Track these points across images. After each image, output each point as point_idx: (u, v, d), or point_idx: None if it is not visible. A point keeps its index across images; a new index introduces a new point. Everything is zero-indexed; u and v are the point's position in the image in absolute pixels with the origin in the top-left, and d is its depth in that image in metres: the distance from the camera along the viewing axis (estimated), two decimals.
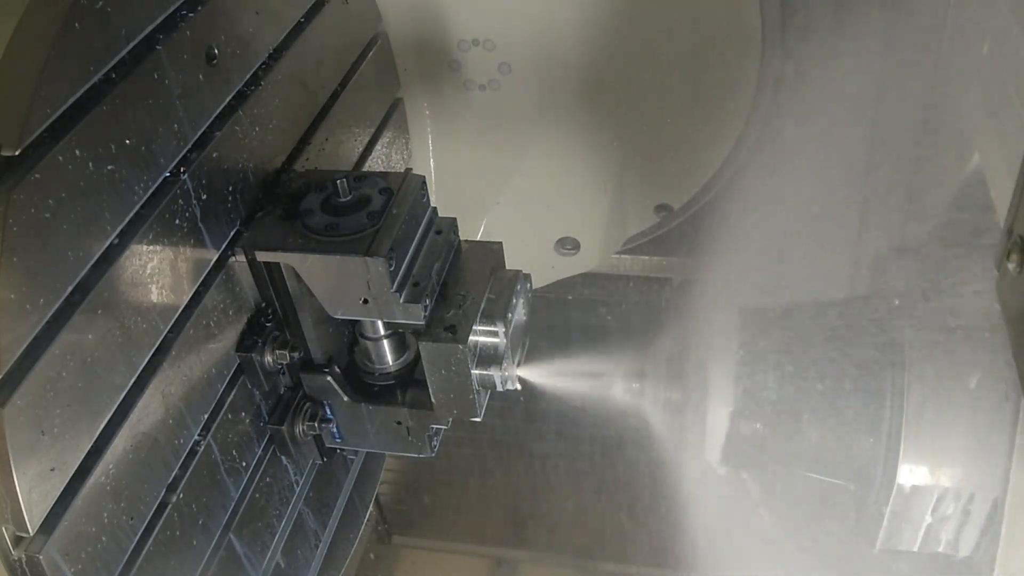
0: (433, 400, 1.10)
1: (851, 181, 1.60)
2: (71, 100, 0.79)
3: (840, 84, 1.53)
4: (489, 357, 1.06)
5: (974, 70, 1.30)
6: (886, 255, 1.39)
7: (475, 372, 1.05)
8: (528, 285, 1.14)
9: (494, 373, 1.06)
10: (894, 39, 1.51)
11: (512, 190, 1.71)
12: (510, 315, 1.07)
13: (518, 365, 1.12)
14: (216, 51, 1.00)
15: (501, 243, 1.14)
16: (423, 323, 1.03)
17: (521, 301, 1.12)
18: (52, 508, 0.79)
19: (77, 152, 0.79)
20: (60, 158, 0.77)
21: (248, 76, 1.07)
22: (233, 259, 1.04)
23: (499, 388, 1.08)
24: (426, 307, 1.02)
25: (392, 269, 0.99)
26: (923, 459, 1.16)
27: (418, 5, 1.52)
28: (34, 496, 0.77)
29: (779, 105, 1.56)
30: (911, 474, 1.16)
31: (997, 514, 1.15)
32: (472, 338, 1.04)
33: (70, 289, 0.80)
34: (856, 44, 1.49)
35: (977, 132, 1.27)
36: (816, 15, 1.52)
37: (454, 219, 1.12)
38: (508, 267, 1.14)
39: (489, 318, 1.06)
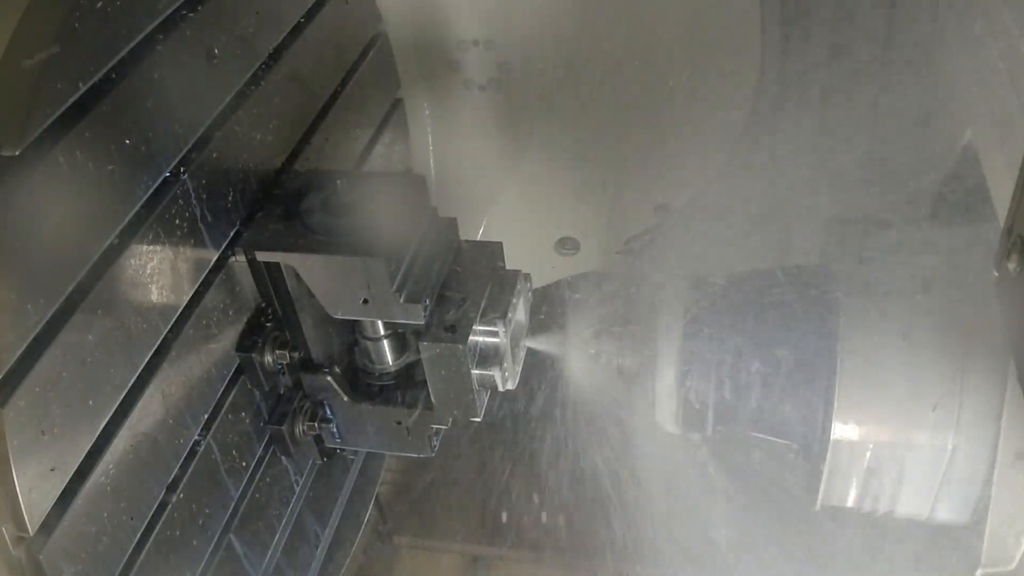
0: (433, 400, 1.10)
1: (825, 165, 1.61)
2: (71, 100, 0.79)
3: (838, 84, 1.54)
4: (489, 357, 1.06)
5: (974, 70, 1.30)
6: (828, 226, 1.42)
7: (475, 372, 1.05)
8: (528, 285, 1.14)
9: (494, 373, 1.06)
10: (893, 38, 1.51)
11: (512, 190, 1.71)
12: (510, 315, 1.07)
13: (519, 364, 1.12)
14: (216, 51, 1.00)
15: (501, 243, 1.14)
16: (423, 323, 1.03)
17: (521, 301, 1.12)
18: (52, 508, 0.79)
19: (77, 153, 0.79)
20: (60, 159, 0.77)
21: (248, 76, 1.07)
22: (233, 259, 1.04)
23: (500, 388, 1.08)
24: (426, 307, 1.02)
25: (392, 269, 0.99)
26: (856, 417, 1.20)
27: (418, 5, 1.53)
28: (34, 496, 0.77)
29: (779, 107, 1.57)
30: (845, 431, 1.20)
31: (933, 473, 1.19)
32: (472, 338, 1.04)
33: (70, 289, 0.80)
34: (855, 44, 1.50)
35: (977, 132, 1.28)
36: (815, 15, 1.52)
37: (454, 219, 1.12)
38: (508, 267, 1.14)
39: (489, 318, 1.06)
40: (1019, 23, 1.14)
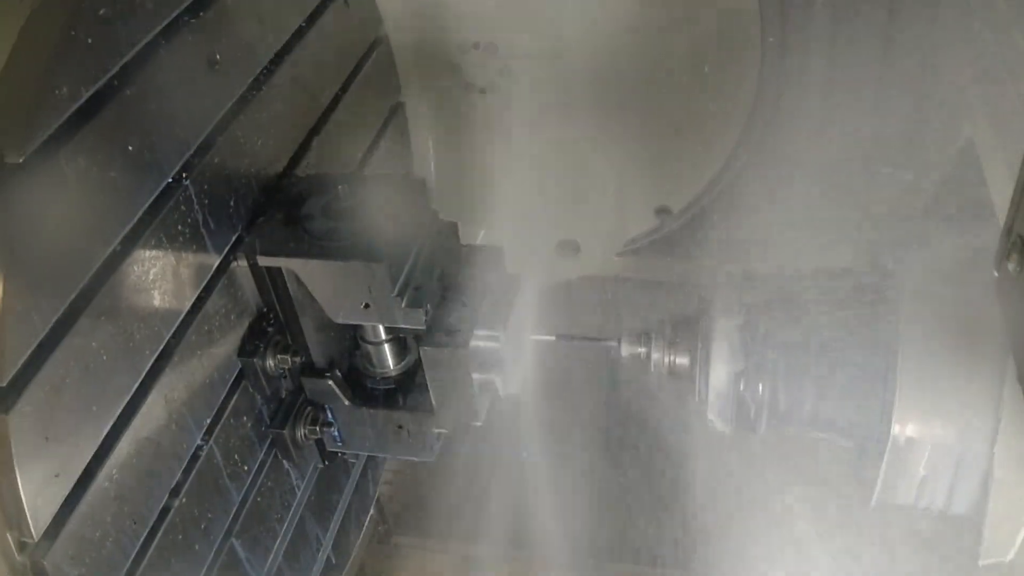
0: (434, 404, 1.10)
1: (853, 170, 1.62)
2: (74, 107, 0.79)
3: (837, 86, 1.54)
4: (490, 361, 1.07)
5: (974, 69, 1.30)
6: (885, 223, 1.43)
7: (476, 376, 1.06)
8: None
9: (495, 377, 1.07)
10: (892, 37, 1.52)
11: (512, 192, 1.71)
12: (511, 320, 1.07)
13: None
14: (218, 56, 1.01)
15: (502, 248, 1.15)
16: (424, 328, 1.03)
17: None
18: (56, 513, 0.80)
19: (80, 159, 0.79)
20: (64, 166, 0.78)
21: (250, 81, 1.08)
22: (235, 264, 1.04)
23: (500, 392, 1.09)
24: (427, 312, 1.03)
25: (393, 274, 0.99)
26: (916, 415, 1.20)
27: (419, 8, 1.53)
28: (39, 502, 0.77)
29: (779, 108, 1.57)
30: (905, 429, 1.20)
31: (991, 471, 1.18)
32: (473, 343, 1.04)
33: (74, 295, 0.80)
34: (854, 46, 1.50)
35: (977, 132, 1.28)
36: (815, 19, 1.52)
37: (455, 223, 1.13)
38: (508, 271, 1.15)
39: (489, 323, 1.06)
40: (1017, 18, 1.14)
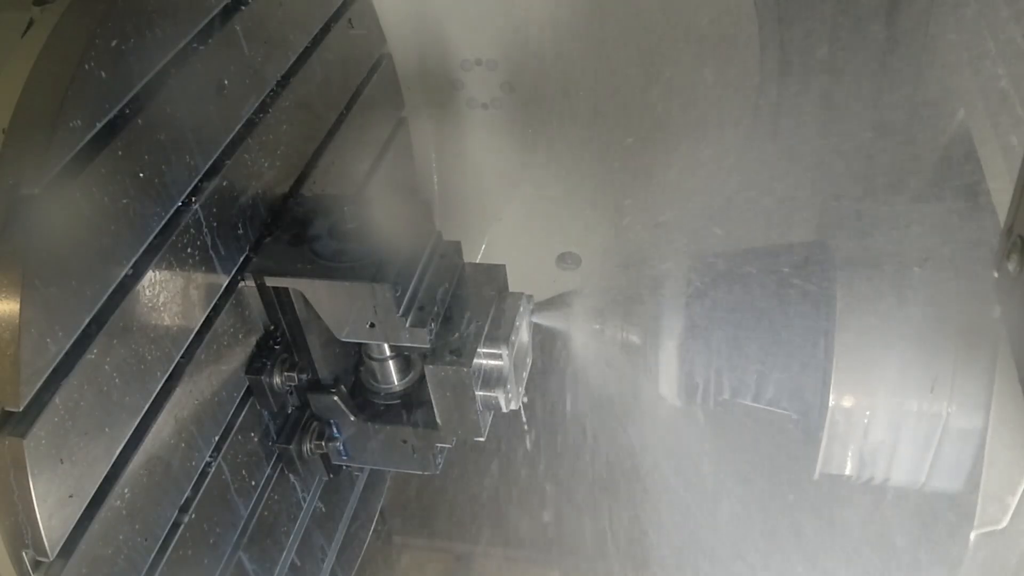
0: (438, 420, 1.12)
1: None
2: (87, 138, 0.81)
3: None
4: (493, 379, 1.09)
5: (974, 69, 1.31)
6: (825, 203, 1.46)
7: (479, 394, 1.08)
8: (530, 307, 1.16)
9: (498, 395, 1.09)
10: (891, 37, 1.53)
11: (514, 206, 1.73)
12: (513, 338, 1.09)
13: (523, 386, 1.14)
14: (226, 81, 1.03)
15: (504, 266, 1.17)
16: (429, 347, 1.05)
17: (524, 324, 1.14)
18: (70, 533, 0.82)
19: (93, 188, 0.81)
20: (78, 195, 0.80)
21: (257, 104, 1.10)
22: (243, 284, 1.06)
23: (503, 409, 1.11)
24: (431, 331, 1.04)
25: (398, 295, 1.01)
26: (853, 385, 1.24)
27: (422, 26, 1.55)
28: (54, 522, 0.79)
29: (778, 111, 1.59)
30: (842, 399, 1.24)
31: (930, 441, 1.23)
32: (476, 361, 1.06)
33: (87, 320, 0.82)
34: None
35: (977, 132, 1.29)
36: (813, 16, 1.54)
37: (458, 243, 1.15)
38: (510, 282, 1.16)
39: (493, 341, 1.08)
40: (1013, 10, 1.15)
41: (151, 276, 0.90)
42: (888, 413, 1.24)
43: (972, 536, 1.20)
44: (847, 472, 1.30)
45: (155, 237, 0.91)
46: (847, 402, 1.24)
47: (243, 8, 1.06)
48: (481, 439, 1.13)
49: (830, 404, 1.23)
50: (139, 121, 0.87)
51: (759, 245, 1.38)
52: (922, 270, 1.23)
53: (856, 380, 1.23)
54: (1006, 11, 1.20)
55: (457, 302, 1.12)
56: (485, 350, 1.08)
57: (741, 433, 1.44)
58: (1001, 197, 1.12)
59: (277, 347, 1.11)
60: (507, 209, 1.73)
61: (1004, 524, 1.18)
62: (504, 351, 1.08)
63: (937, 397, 1.21)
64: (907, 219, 1.33)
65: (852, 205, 1.41)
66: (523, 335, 1.15)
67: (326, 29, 1.27)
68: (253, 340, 1.10)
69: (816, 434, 1.27)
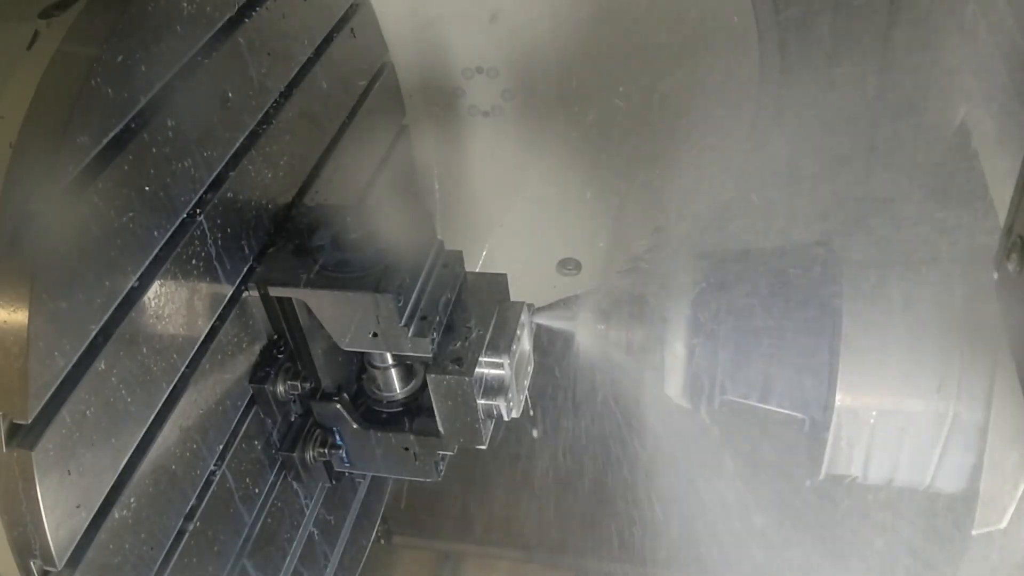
0: (440, 428, 1.13)
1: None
2: (94, 153, 0.82)
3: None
4: (494, 388, 1.10)
5: (974, 68, 1.32)
6: (835, 203, 1.46)
7: (481, 402, 1.09)
8: (532, 316, 1.17)
9: (499, 403, 1.10)
10: (890, 36, 1.54)
11: (515, 212, 1.74)
12: (514, 347, 1.10)
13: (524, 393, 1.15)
14: (230, 94, 1.04)
15: (505, 275, 1.18)
16: (431, 356, 1.06)
17: (525, 332, 1.15)
18: (78, 542, 0.83)
19: (100, 203, 0.82)
20: (85, 210, 0.81)
21: (260, 116, 1.11)
22: (247, 294, 1.07)
23: (505, 418, 1.12)
24: (433, 340, 1.05)
25: (400, 305, 1.02)
26: (860, 386, 1.24)
27: (423, 34, 1.56)
28: (61, 532, 0.80)
29: (778, 118, 1.60)
30: (848, 400, 1.24)
31: (936, 442, 1.22)
32: (478, 370, 1.07)
33: (94, 333, 0.83)
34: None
35: (977, 132, 1.30)
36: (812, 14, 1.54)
37: (460, 252, 1.16)
38: (511, 289, 1.17)
39: (494, 350, 1.09)
40: (1014, 10, 1.16)
41: (157, 288, 0.91)
42: (894, 414, 1.24)
43: (972, 536, 1.21)
44: (853, 472, 1.31)
45: (160, 249, 0.92)
46: (853, 402, 1.24)
47: (246, 21, 1.07)
48: (483, 447, 1.14)
49: (836, 404, 1.24)
50: (144, 135, 0.89)
51: (764, 246, 1.39)
52: (929, 270, 1.24)
53: (862, 381, 1.23)
54: (1006, 11, 1.21)
55: (459, 311, 1.13)
56: (487, 359, 1.09)
57: (747, 433, 1.45)
58: (1001, 197, 1.13)
59: (280, 356, 1.12)
60: (508, 215, 1.74)
61: (1004, 524, 1.19)
62: (505, 360, 1.09)
63: (943, 397, 1.21)
64: (913, 219, 1.33)
65: (857, 205, 1.42)
66: (524, 344, 1.15)
67: (328, 39, 1.28)
68: (257, 349, 1.11)
69: (822, 434, 1.28)
